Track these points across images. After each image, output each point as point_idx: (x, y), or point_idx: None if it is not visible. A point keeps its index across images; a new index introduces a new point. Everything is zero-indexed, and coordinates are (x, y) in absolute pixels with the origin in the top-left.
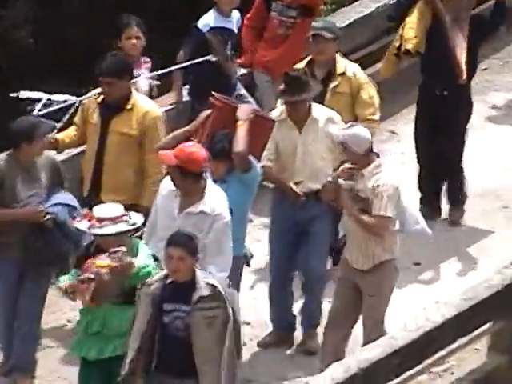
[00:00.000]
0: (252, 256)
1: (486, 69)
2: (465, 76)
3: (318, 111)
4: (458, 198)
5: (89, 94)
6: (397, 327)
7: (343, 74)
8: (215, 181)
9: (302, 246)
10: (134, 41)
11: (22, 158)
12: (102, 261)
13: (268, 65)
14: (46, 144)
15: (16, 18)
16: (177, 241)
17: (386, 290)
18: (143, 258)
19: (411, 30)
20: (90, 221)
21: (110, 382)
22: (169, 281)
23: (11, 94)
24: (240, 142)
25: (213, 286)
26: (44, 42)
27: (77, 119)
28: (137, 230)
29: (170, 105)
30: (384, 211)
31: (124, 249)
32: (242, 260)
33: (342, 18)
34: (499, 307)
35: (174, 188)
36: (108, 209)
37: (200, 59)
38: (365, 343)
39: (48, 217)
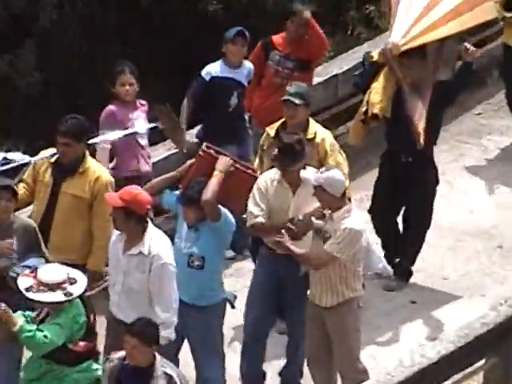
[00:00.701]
0: (236, 297)
1: (480, 113)
2: (423, 142)
3: (306, 173)
4: (404, 274)
5: (43, 154)
6: (393, 363)
7: (312, 139)
8: (189, 227)
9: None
10: (128, 87)
11: None
12: None
13: (257, 111)
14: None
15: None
16: (133, 330)
17: (351, 328)
18: (44, 326)
19: (377, 94)
20: (31, 277)
21: None
22: (127, 362)
23: None
24: (209, 190)
25: (170, 376)
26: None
27: (27, 177)
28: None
29: (175, 148)
30: (331, 249)
31: (3, 305)
32: (220, 306)
33: (340, 63)
34: (493, 344)
35: (119, 233)
36: (52, 272)
37: (151, 125)
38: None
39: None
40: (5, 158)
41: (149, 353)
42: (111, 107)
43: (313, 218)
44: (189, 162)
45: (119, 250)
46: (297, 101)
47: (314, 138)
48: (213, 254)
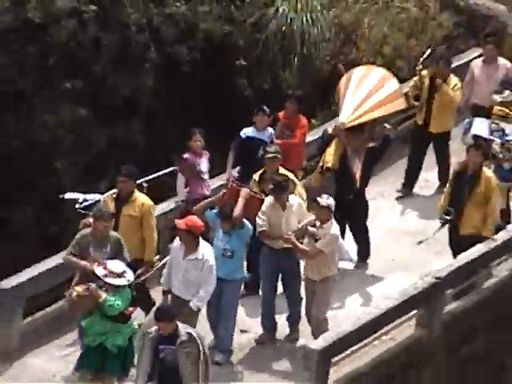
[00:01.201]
0: (250, 277)
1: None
2: (358, 185)
3: (292, 199)
4: (363, 259)
5: (107, 194)
6: (360, 312)
7: (289, 179)
8: (224, 232)
9: (284, 283)
10: (198, 142)
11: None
12: (79, 288)
13: None
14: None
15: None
16: (159, 317)
17: (328, 293)
18: (116, 298)
19: (330, 155)
20: (104, 269)
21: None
22: (161, 332)
23: (60, 196)
24: (237, 210)
25: (190, 333)
26: None
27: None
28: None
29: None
30: (322, 247)
31: (93, 285)
32: (240, 282)
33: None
34: (421, 301)
35: (180, 243)
36: (116, 265)
37: (170, 169)
38: (313, 332)
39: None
40: (85, 200)
41: (173, 325)
42: (186, 155)
43: (309, 227)
44: (222, 192)
45: (180, 256)
46: (278, 156)
47: (290, 179)
48: (238, 249)
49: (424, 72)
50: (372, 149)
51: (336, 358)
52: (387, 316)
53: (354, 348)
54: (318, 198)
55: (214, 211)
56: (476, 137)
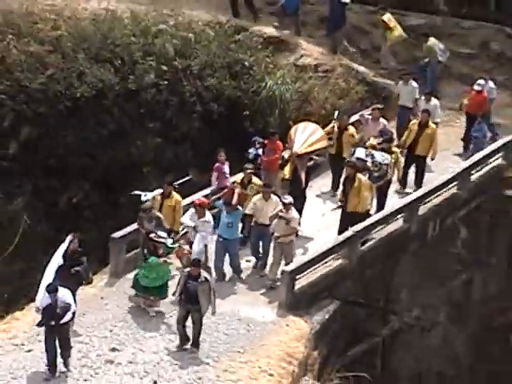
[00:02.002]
0: (245, 236)
1: None
2: (303, 186)
3: (273, 197)
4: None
5: (156, 192)
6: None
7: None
8: (227, 212)
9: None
10: (222, 157)
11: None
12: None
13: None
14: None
15: None
16: (194, 263)
17: (292, 248)
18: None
19: (286, 171)
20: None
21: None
22: (190, 272)
23: (131, 193)
24: (234, 200)
25: (205, 277)
26: None
27: (152, 199)
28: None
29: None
30: (294, 225)
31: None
32: (239, 239)
33: None
34: (344, 245)
35: (194, 212)
36: (162, 234)
37: (186, 178)
38: (287, 263)
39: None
40: (145, 195)
41: (198, 270)
42: (216, 164)
43: (280, 213)
44: (223, 191)
45: (195, 219)
46: (251, 171)
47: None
48: (235, 222)
49: (335, 124)
50: (308, 168)
51: (298, 276)
52: (327, 252)
53: (309, 270)
54: (283, 199)
55: (220, 201)
56: (357, 158)
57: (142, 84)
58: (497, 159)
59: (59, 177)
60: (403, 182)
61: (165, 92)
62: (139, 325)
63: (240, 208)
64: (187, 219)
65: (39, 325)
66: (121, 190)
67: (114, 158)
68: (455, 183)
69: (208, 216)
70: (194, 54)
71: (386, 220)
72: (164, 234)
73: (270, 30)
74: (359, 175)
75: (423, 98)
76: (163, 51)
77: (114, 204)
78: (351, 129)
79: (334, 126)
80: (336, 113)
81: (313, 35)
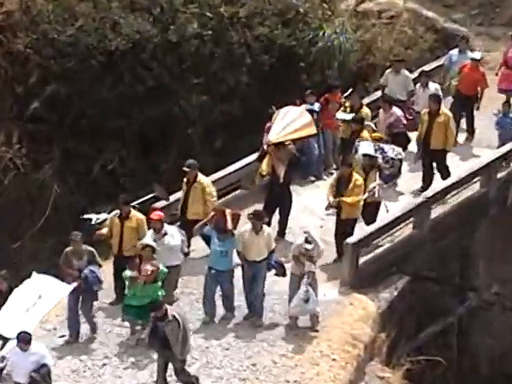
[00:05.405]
0: (238, 264)
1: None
2: (282, 180)
3: (265, 228)
4: (281, 233)
5: (111, 214)
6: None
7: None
8: (219, 240)
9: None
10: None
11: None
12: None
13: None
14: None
15: None
16: (152, 309)
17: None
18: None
19: (264, 165)
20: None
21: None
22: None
23: (81, 216)
24: (229, 225)
25: (174, 316)
26: None
27: (108, 224)
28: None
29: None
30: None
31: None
32: (233, 269)
33: None
34: (414, 213)
35: (154, 231)
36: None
37: (149, 196)
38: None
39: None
40: (98, 218)
41: (163, 310)
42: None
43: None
44: (211, 215)
45: (156, 239)
46: (194, 167)
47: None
48: (230, 249)
49: (347, 103)
50: (291, 159)
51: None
52: (395, 220)
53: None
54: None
55: (208, 227)
56: (364, 155)
57: (184, 35)
58: None
59: (92, 140)
60: (426, 183)
61: (209, 43)
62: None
63: (235, 234)
64: (149, 241)
65: None
66: (162, 155)
67: (153, 118)
68: None
69: (170, 230)
70: (242, 1)
71: (460, 184)
72: (97, 272)
73: None
74: (356, 176)
75: (419, 84)
76: None
77: (153, 170)
78: (365, 109)
79: (345, 106)
80: (349, 90)
81: None
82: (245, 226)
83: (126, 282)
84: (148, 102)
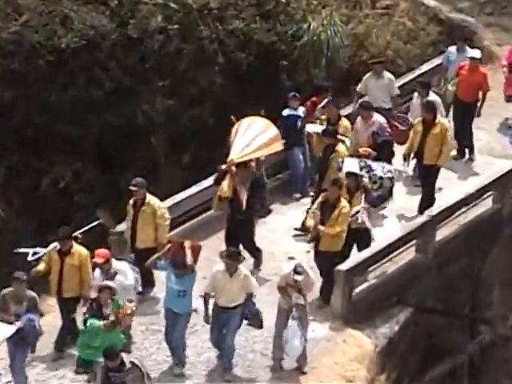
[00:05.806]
0: (195, 310)
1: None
2: (245, 208)
3: (241, 270)
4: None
5: (50, 247)
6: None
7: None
8: (176, 277)
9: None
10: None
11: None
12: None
13: None
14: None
15: None
16: (105, 357)
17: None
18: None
19: (224, 187)
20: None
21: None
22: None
23: (14, 251)
24: (189, 260)
25: (132, 362)
26: None
27: (45, 260)
28: None
29: None
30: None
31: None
32: (190, 314)
33: None
34: (417, 235)
35: (101, 271)
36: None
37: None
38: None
39: (19, 324)
40: (34, 253)
41: (118, 359)
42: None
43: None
44: (167, 247)
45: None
46: (142, 187)
47: (149, 202)
48: (189, 288)
49: (323, 116)
50: (254, 181)
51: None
52: (395, 243)
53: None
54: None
55: (163, 262)
56: (348, 173)
57: (147, 30)
58: None
59: (40, 152)
60: (423, 206)
61: (176, 39)
62: None
63: (195, 269)
64: (99, 282)
65: None
66: (122, 168)
67: (111, 126)
68: None
69: (121, 266)
70: None
71: (470, 200)
72: (37, 321)
73: None
74: (344, 203)
75: (415, 94)
76: None
77: (113, 186)
78: (344, 121)
79: (321, 119)
80: (325, 100)
81: None
82: (219, 264)
83: (87, 333)
84: (106, 108)
